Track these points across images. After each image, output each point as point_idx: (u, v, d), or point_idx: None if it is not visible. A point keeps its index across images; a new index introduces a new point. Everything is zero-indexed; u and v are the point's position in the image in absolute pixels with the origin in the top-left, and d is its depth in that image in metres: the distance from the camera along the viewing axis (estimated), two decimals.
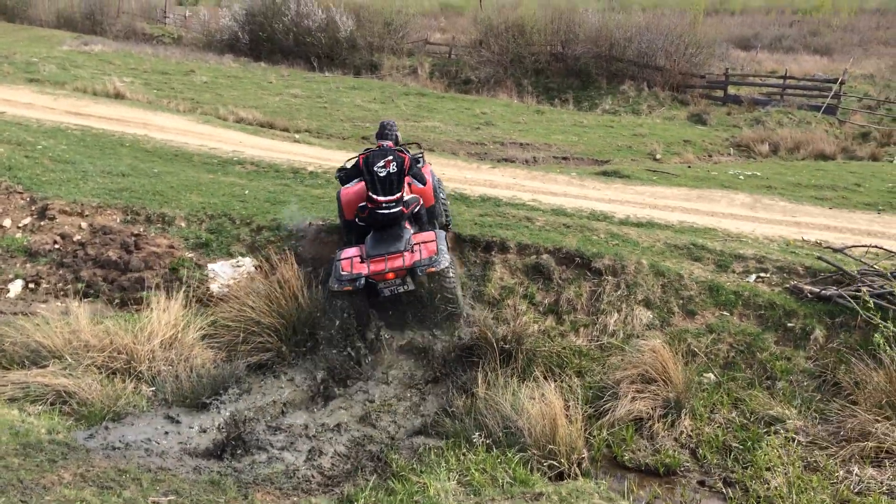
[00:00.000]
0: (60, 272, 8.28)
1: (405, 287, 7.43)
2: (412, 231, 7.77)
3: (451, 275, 7.48)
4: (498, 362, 6.86)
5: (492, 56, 28.71)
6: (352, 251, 7.46)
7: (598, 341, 7.63)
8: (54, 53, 27.08)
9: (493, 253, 8.60)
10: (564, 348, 7.42)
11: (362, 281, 7.12)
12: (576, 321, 7.86)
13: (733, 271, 8.41)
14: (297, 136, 16.30)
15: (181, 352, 6.54)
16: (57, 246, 8.61)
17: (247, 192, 10.32)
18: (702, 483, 5.96)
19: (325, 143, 15.79)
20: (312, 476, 5.38)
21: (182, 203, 9.61)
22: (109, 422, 5.76)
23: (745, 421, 6.55)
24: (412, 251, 7.33)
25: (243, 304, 6.98)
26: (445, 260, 7.28)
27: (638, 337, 7.52)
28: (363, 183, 7.67)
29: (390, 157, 7.54)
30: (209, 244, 8.96)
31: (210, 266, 8.55)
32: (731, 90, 25.80)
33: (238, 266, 8.50)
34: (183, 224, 9.21)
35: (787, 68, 28.40)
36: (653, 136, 19.64)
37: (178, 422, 5.99)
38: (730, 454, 6.17)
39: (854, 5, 54.39)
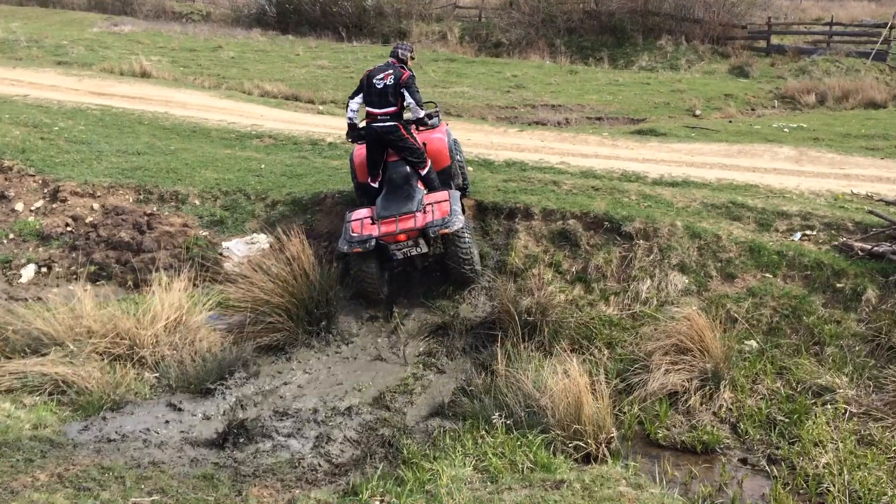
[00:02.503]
0: (73, 255, 8.09)
1: (418, 249, 7.17)
2: (424, 191, 7.44)
3: (465, 236, 7.17)
4: (520, 336, 6.43)
5: (522, 17, 27.84)
6: (363, 212, 7.21)
7: (629, 310, 7.16)
8: (84, 35, 27.09)
9: (516, 220, 8.14)
10: (593, 318, 6.96)
11: (373, 242, 6.90)
12: (605, 289, 7.38)
13: (776, 230, 7.83)
14: (321, 107, 15.93)
15: (186, 335, 6.25)
16: (69, 228, 8.42)
17: (263, 166, 10.00)
18: (744, 461, 5.50)
19: None
20: (319, 465, 5.05)
21: (196, 180, 9.33)
22: (108, 411, 5.50)
23: (791, 392, 6.05)
24: (424, 212, 7.04)
25: (252, 283, 6.65)
26: (459, 221, 6.96)
27: (672, 304, 7.03)
28: None
29: (389, 71, 7.43)
30: (224, 221, 8.68)
31: (224, 244, 8.28)
32: (775, 40, 24.57)
33: (252, 243, 8.21)
34: (197, 202, 8.94)
35: (834, 14, 26.91)
36: (692, 92, 18.80)
37: (180, 409, 5.70)
38: (774, 429, 5.69)
39: None
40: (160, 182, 9.18)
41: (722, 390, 6.01)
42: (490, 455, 5.03)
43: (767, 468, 5.37)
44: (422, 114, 7.65)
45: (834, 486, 5.05)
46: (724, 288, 7.22)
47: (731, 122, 14.89)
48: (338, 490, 4.70)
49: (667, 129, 13.18)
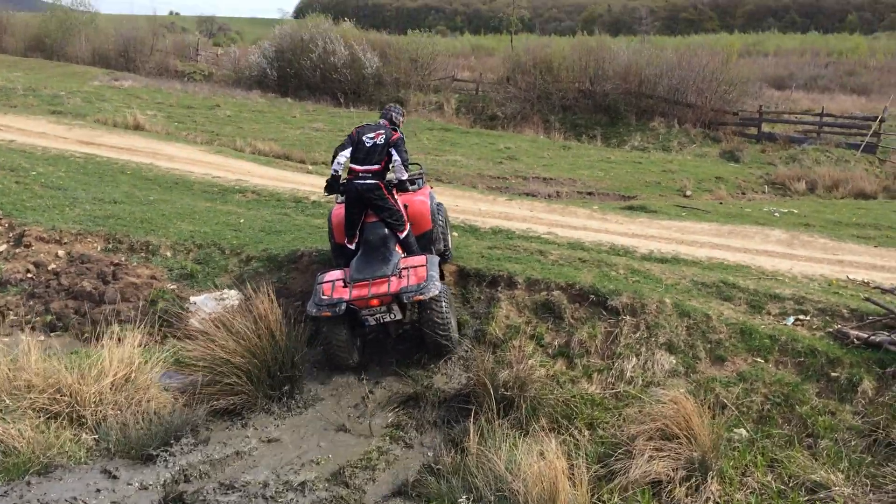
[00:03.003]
0: (31, 303, 7.67)
1: (391, 316, 6.78)
2: (402, 255, 7.13)
3: (442, 304, 6.79)
4: (495, 412, 6.00)
5: (518, 92, 28.27)
6: (335, 274, 6.86)
7: (613, 389, 6.75)
8: (84, 88, 27.22)
9: (499, 288, 7.81)
10: (574, 396, 6.53)
11: (343, 307, 6.50)
12: (588, 366, 6.99)
13: (768, 313, 7.50)
14: (310, 167, 15.78)
15: (133, 394, 5.76)
16: (30, 275, 8.03)
17: (242, 220, 9.71)
18: None
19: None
20: None
21: (170, 231, 9.01)
22: (34, 475, 4.98)
23: (783, 487, 5.59)
24: (400, 276, 6.68)
25: (212, 340, 6.23)
26: (435, 287, 6.59)
27: (659, 385, 6.63)
28: None
29: (381, 131, 7.36)
30: (195, 275, 8.32)
31: (192, 299, 7.89)
32: (766, 128, 24.92)
33: (222, 299, 7.82)
34: (168, 253, 8.59)
35: (824, 106, 27.37)
36: (683, 173, 18.85)
37: (115, 477, 5.15)
38: None
39: (892, 46, 53.35)
40: (132, 232, 8.85)
41: (709, 482, 5.55)
42: None
43: None
44: (405, 175, 7.43)
45: None
46: (713, 371, 6.84)
47: (721, 203, 14.79)
48: None
49: (657, 207, 13.02)
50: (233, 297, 7.83)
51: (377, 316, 6.72)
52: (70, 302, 7.66)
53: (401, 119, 7.75)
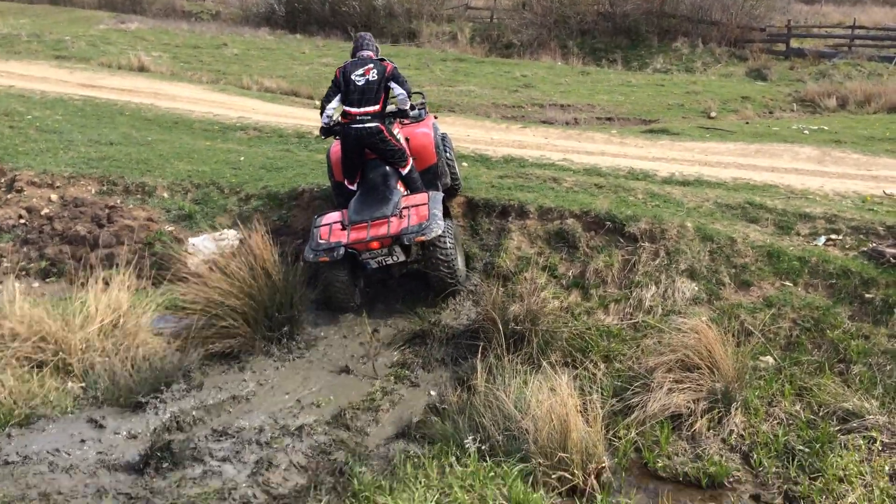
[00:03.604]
0: (24, 250, 7.42)
1: (394, 258, 6.40)
2: (404, 193, 6.67)
3: (446, 244, 6.36)
4: (504, 347, 5.67)
5: (534, 18, 27.18)
6: (333, 216, 6.47)
7: (630, 319, 6.39)
8: (89, 32, 26.65)
9: (509, 219, 7.40)
10: (589, 328, 6.17)
11: (341, 251, 6.13)
12: (605, 296, 6.62)
13: (798, 233, 7.05)
14: (317, 102, 15.24)
15: (122, 340, 5.50)
16: (22, 221, 7.75)
17: (242, 158, 9.33)
18: (756, 498, 4.70)
19: None
20: (254, 496, 4.28)
21: (167, 172, 8.66)
22: (15, 427, 4.76)
23: (813, 417, 5.24)
24: (400, 216, 6.26)
25: (205, 282, 5.92)
26: (438, 227, 6.17)
27: (679, 313, 6.25)
28: None
29: (370, 66, 6.70)
30: (193, 216, 8.00)
31: (190, 240, 7.59)
32: (794, 43, 23.72)
33: (221, 239, 7.52)
34: (165, 194, 8.26)
35: (856, 18, 25.99)
36: (707, 94, 18.04)
37: (101, 426, 4.91)
38: (793, 460, 4.88)
39: None
40: (127, 173, 8.50)
41: (733, 413, 5.22)
42: (457, 488, 4.26)
43: None
44: (408, 105, 6.92)
45: None
46: (737, 297, 6.44)
47: (747, 123, 14.10)
48: None
49: (679, 129, 12.40)
50: (231, 237, 7.52)
51: (378, 259, 6.37)
52: (64, 247, 7.40)
53: (376, 45, 7.12)
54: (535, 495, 4.23)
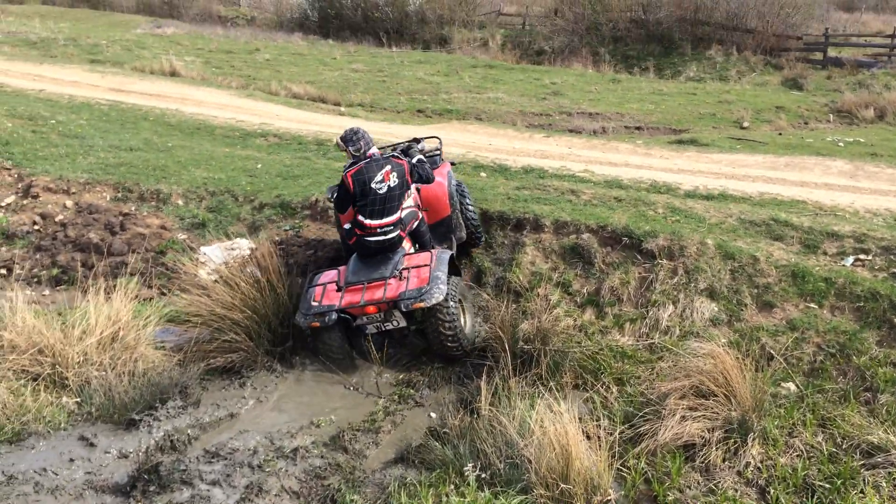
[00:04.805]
0: (37, 256, 7.43)
1: (393, 324, 5.84)
2: (406, 251, 6.15)
3: (449, 312, 5.75)
4: (510, 368, 5.47)
5: (566, 24, 26.96)
6: (330, 274, 5.96)
7: (647, 340, 6.16)
8: (126, 37, 27.03)
9: (524, 232, 7.22)
10: (602, 349, 5.96)
11: (333, 316, 5.59)
12: (620, 315, 6.40)
13: (824, 253, 6.76)
14: (343, 109, 15.24)
15: (120, 353, 5.41)
16: (36, 227, 7.77)
17: (259, 165, 9.27)
18: None
19: (373, 116, 14.65)
20: None
21: (183, 179, 8.64)
22: (4, 444, 4.67)
23: (835, 450, 4.96)
24: (400, 278, 5.74)
25: (209, 294, 5.83)
26: (440, 292, 5.58)
27: (698, 335, 6.01)
28: None
29: (387, 168, 5.91)
30: (206, 224, 7.96)
31: (202, 249, 7.53)
32: (832, 52, 23.13)
33: (232, 249, 7.44)
34: (180, 202, 8.23)
35: None
36: (741, 103, 17.64)
37: (92, 445, 4.81)
38: (813, 496, 4.62)
39: None
40: (143, 179, 8.50)
41: (750, 444, 4.96)
42: None
43: None
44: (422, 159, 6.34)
45: None
46: (759, 319, 6.18)
47: (780, 134, 13.75)
48: None
49: (709, 140, 12.10)
50: (243, 246, 7.44)
51: (377, 324, 5.84)
52: (77, 254, 7.39)
53: (370, 138, 6.11)
54: None
